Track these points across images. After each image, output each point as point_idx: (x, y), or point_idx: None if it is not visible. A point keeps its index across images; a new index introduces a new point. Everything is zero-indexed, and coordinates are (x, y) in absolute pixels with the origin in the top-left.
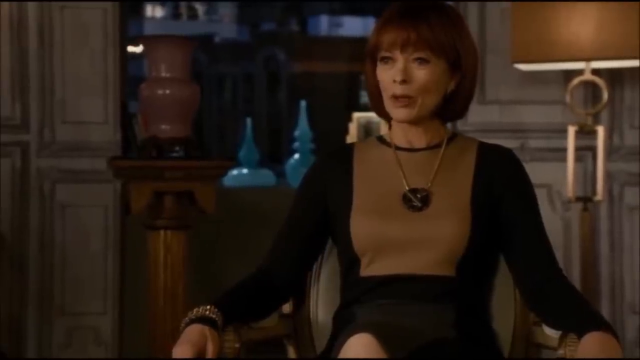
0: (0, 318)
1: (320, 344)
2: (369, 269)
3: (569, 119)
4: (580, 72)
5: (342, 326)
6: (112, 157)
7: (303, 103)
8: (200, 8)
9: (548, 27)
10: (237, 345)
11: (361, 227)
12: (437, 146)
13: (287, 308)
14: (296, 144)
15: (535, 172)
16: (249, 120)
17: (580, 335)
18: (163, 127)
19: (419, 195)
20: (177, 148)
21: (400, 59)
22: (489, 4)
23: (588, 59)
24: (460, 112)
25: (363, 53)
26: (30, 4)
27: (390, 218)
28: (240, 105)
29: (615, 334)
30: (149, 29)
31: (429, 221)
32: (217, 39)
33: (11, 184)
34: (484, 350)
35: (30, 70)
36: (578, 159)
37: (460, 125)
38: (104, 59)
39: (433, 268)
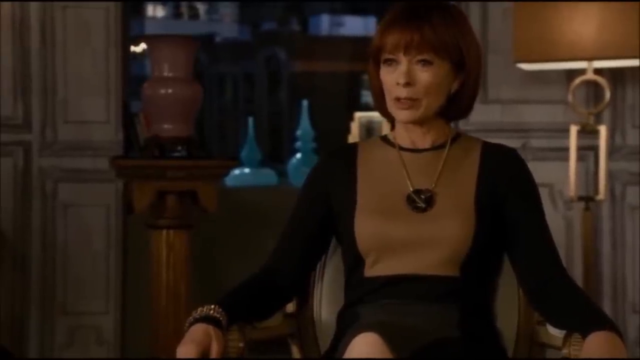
0: (3, 317)
1: (324, 344)
2: (373, 269)
3: (571, 119)
4: (582, 71)
5: (346, 326)
6: (115, 156)
7: (305, 102)
8: (201, 8)
9: (550, 27)
10: (241, 344)
11: (365, 228)
12: (441, 146)
13: (290, 307)
14: (298, 144)
15: (537, 171)
16: (250, 120)
17: (584, 334)
18: (165, 126)
19: (423, 196)
20: (179, 147)
21: (403, 61)
22: (491, 3)
23: (590, 59)
24: (464, 111)
25: (364, 52)
26: (32, 4)
27: (394, 218)
28: (241, 105)
29: (619, 333)
30: (150, 29)
31: (433, 222)
32: (218, 39)
33: (13, 183)
34: (488, 350)
35: (32, 69)
36: (580, 158)
37: (462, 124)
38: (105, 59)
39: (437, 268)
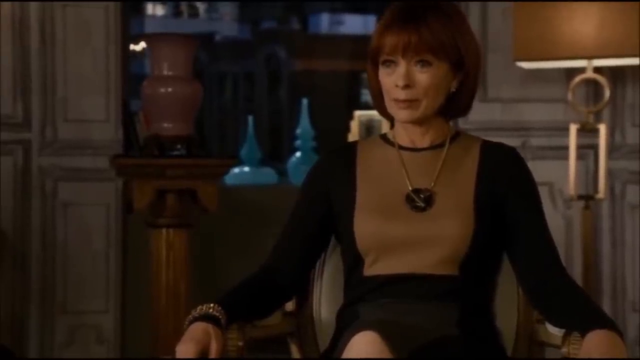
0: (2, 316)
1: (324, 342)
2: (372, 269)
3: (571, 117)
4: (582, 70)
5: (346, 325)
6: (114, 155)
7: (305, 101)
8: (201, 6)
9: (550, 25)
10: (240, 343)
11: (365, 227)
12: (440, 145)
13: (290, 306)
14: (297, 142)
15: (537, 170)
16: (250, 119)
17: (584, 333)
18: (165, 125)
19: (422, 196)
20: (179, 146)
21: (402, 63)
22: (490, 2)
23: (590, 57)
24: (464, 109)
25: (364, 51)
26: (32, 3)
27: (394, 218)
28: (241, 104)
29: (620, 333)
30: (149, 28)
31: (432, 221)
32: (217, 37)
33: (13, 182)
34: (488, 349)
35: (32, 68)
36: (580, 157)
37: (462, 123)
38: (105, 57)
39: (437, 267)
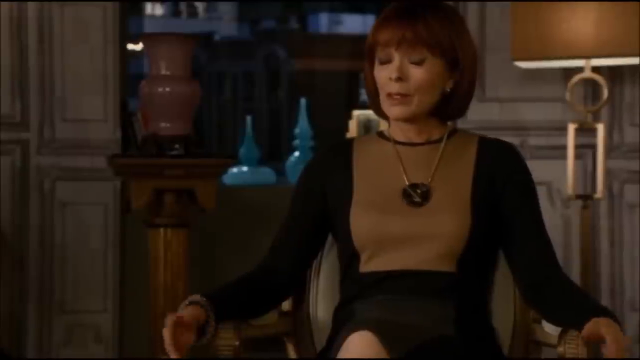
0: (1, 316)
1: (320, 341)
2: (368, 265)
3: (569, 117)
4: (580, 69)
5: (342, 323)
6: (112, 155)
7: (303, 101)
8: (200, 6)
9: (548, 25)
10: (236, 343)
11: (361, 223)
12: (437, 141)
13: (286, 305)
14: (296, 142)
15: (535, 169)
16: (249, 119)
17: (581, 324)
18: (163, 124)
19: (419, 191)
20: (177, 146)
21: (396, 57)
22: (489, 2)
23: (588, 57)
24: (459, 111)
25: (363, 51)
26: (30, 2)
27: (390, 213)
28: (241, 103)
29: (618, 322)
30: (149, 27)
31: (429, 216)
32: (217, 37)
33: (11, 182)
34: (484, 347)
35: (30, 68)
36: (578, 156)
37: (460, 123)
38: (103, 57)
39: (433, 264)
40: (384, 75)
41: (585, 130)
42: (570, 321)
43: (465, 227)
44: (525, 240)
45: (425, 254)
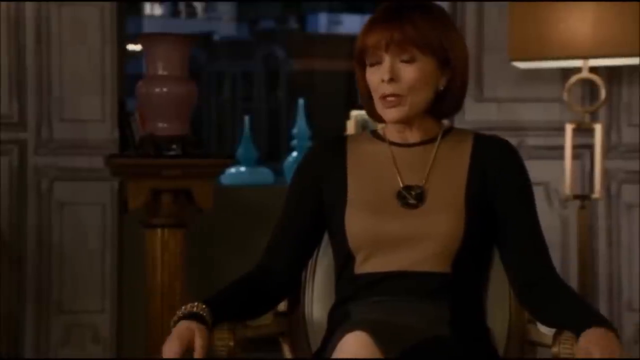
0: None
1: (315, 342)
2: (363, 266)
3: (567, 117)
4: (578, 70)
5: (337, 324)
6: (110, 155)
7: (301, 101)
8: (199, 6)
9: (546, 25)
10: (231, 343)
11: (356, 224)
12: (432, 141)
13: (282, 306)
14: (294, 142)
15: (533, 169)
16: (247, 119)
17: (578, 332)
18: (160, 125)
19: (413, 193)
20: (174, 146)
21: (386, 58)
22: (486, 2)
23: (586, 57)
24: (454, 108)
25: None
26: (28, 2)
27: (385, 215)
28: (239, 103)
29: (615, 331)
30: (147, 27)
31: (423, 218)
32: (216, 37)
33: (9, 182)
34: (479, 348)
35: (28, 68)
36: (576, 156)
37: (458, 123)
38: (101, 57)
39: (428, 264)
40: (375, 77)
41: (583, 131)
42: (562, 325)
43: (459, 227)
44: (520, 240)
45: (420, 254)
